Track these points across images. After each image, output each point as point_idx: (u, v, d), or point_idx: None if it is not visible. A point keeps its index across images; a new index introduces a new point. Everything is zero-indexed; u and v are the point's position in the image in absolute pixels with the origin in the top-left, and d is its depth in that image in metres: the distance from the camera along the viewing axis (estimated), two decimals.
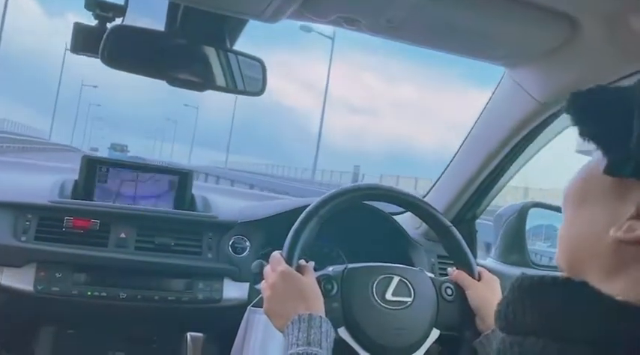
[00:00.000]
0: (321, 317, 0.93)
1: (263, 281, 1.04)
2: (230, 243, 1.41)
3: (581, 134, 0.52)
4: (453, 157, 1.54)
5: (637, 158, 0.47)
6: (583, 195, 0.55)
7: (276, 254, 1.06)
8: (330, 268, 1.11)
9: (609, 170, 0.50)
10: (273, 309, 0.98)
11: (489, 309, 1.05)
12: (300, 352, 0.86)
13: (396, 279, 1.12)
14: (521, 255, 1.72)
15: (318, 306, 0.97)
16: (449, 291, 1.14)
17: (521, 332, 0.50)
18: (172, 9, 1.14)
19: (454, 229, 1.19)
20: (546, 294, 0.50)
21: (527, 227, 1.75)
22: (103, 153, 54.14)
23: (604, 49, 0.97)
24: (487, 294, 1.10)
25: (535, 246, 1.90)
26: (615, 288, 0.49)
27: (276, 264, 1.02)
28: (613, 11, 0.88)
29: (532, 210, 1.74)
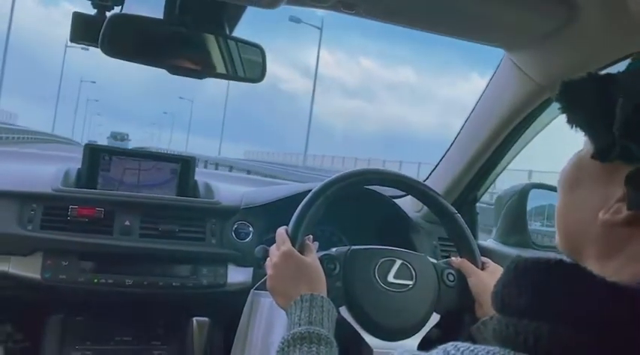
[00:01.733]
0: (322, 297, 0.95)
1: (268, 259, 1.06)
2: (233, 228, 1.42)
3: (569, 121, 0.54)
4: (454, 140, 1.55)
5: (621, 143, 0.49)
6: (575, 180, 0.57)
7: (281, 231, 1.08)
8: (334, 249, 1.13)
9: (596, 155, 0.52)
10: (277, 288, 1.00)
11: (489, 296, 1.07)
12: (302, 331, 0.88)
13: (398, 262, 1.13)
14: (523, 236, 1.72)
15: (321, 287, 0.99)
16: (450, 277, 1.15)
17: (516, 313, 0.51)
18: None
19: (459, 216, 1.20)
20: (539, 276, 0.51)
21: (529, 208, 1.76)
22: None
23: (602, 31, 0.98)
24: (489, 282, 1.10)
25: (537, 226, 1.91)
26: (610, 269, 0.51)
27: (280, 243, 1.04)
28: None
29: (533, 192, 1.75)
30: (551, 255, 0.53)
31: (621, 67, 0.57)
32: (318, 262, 1.03)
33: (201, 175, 1.59)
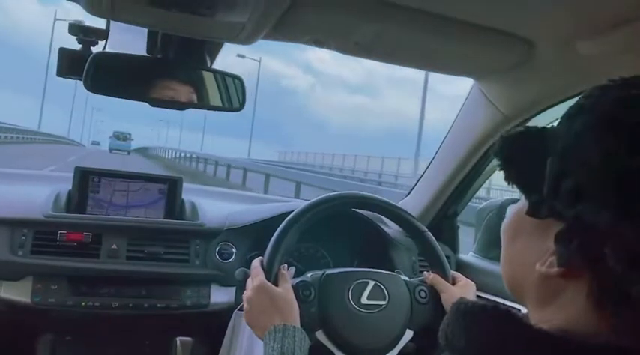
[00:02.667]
0: (294, 327, 1.00)
1: (245, 291, 1.10)
2: (217, 249, 1.47)
3: (505, 179, 0.57)
4: (431, 162, 1.61)
5: (550, 203, 0.52)
6: (515, 231, 0.61)
7: (256, 263, 1.12)
8: (309, 274, 1.18)
9: (529, 211, 0.55)
10: (252, 321, 1.06)
11: (453, 292, 1.14)
12: None
13: (371, 283, 1.18)
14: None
15: (293, 316, 1.03)
16: (422, 294, 1.20)
17: (456, 352, 0.56)
18: (152, 33, 1.19)
19: (428, 234, 1.26)
20: (475, 320, 0.56)
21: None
22: (105, 144, 49.04)
23: (557, 69, 1.03)
24: (460, 294, 1.16)
25: None
26: (545, 315, 0.55)
27: (254, 276, 1.09)
28: (563, 37, 0.94)
29: (511, 207, 1.79)
30: (492, 300, 0.58)
31: None
32: (290, 292, 1.07)
33: (189, 193, 1.65)
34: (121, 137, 47.24)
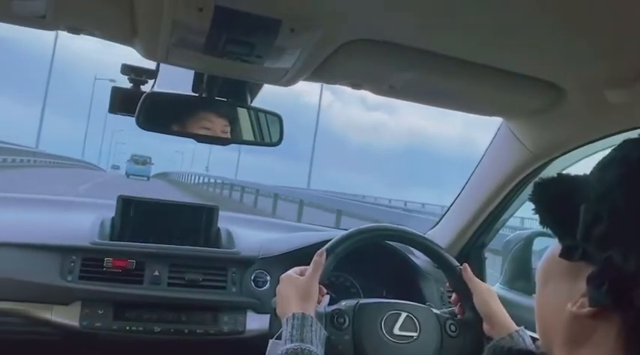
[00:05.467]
0: (312, 317, 1.04)
1: None
2: (252, 277, 1.53)
3: (540, 222, 0.61)
4: (460, 193, 1.65)
5: (583, 246, 0.56)
6: (547, 274, 0.64)
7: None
8: (343, 303, 1.21)
9: (563, 255, 0.58)
10: (279, 310, 1.11)
11: (495, 317, 1.15)
12: (295, 347, 0.96)
13: (403, 315, 1.21)
14: (527, 282, 1.80)
15: (311, 307, 1.08)
16: (452, 327, 1.23)
17: None
18: (198, 75, 1.27)
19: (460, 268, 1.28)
20: None
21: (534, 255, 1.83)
22: (124, 168, 43.36)
23: (586, 113, 1.08)
24: (491, 303, 1.18)
25: None
26: None
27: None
28: (592, 84, 0.99)
29: (537, 239, 1.83)
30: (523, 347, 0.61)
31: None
32: (315, 284, 1.12)
33: (224, 221, 1.71)
34: (140, 161, 41.91)
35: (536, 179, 0.63)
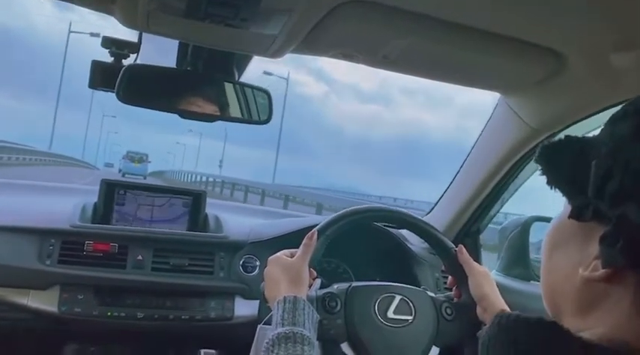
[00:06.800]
0: (304, 300, 0.99)
1: None
2: (241, 262, 1.48)
3: (548, 183, 0.58)
4: (455, 176, 1.60)
5: (595, 204, 0.52)
6: (556, 240, 0.61)
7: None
8: (335, 286, 1.17)
9: (573, 214, 0.55)
10: (268, 294, 1.07)
11: (487, 300, 1.13)
12: (287, 331, 0.91)
13: (397, 298, 1.17)
14: (525, 269, 1.76)
15: (302, 290, 1.03)
16: (449, 311, 1.19)
17: None
18: (182, 46, 1.22)
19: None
20: (520, 333, 0.55)
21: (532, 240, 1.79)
22: (119, 166, 41.02)
23: (589, 82, 1.03)
24: (485, 287, 1.15)
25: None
26: (588, 324, 0.54)
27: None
28: (595, 48, 0.94)
29: (535, 224, 1.78)
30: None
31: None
32: (304, 266, 1.07)
33: (212, 207, 1.66)
34: (136, 158, 39.11)
35: (543, 142, 0.60)
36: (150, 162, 42.13)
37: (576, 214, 0.55)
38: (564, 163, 0.57)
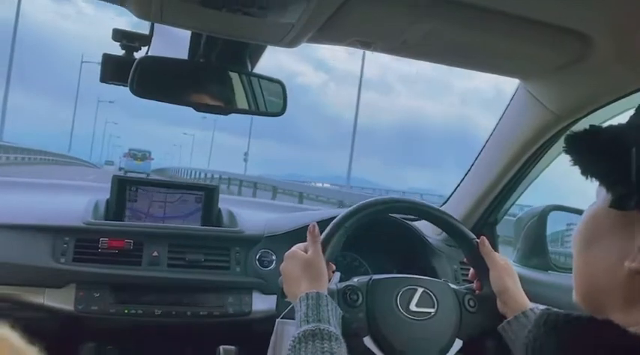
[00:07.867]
0: (327, 296, 0.98)
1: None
2: (257, 256, 1.46)
3: (583, 173, 0.55)
4: (471, 166, 1.57)
5: (638, 192, 0.50)
6: (592, 233, 0.58)
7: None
8: (356, 279, 1.15)
9: (615, 204, 0.53)
10: (287, 290, 1.05)
11: (507, 294, 1.10)
12: (313, 328, 0.89)
13: (419, 290, 1.15)
14: (543, 259, 1.73)
15: (323, 285, 1.01)
16: (471, 303, 1.17)
17: None
18: (195, 37, 1.19)
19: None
20: (572, 332, 0.53)
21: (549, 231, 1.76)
22: (120, 164, 39.95)
23: (615, 65, 1.00)
24: (506, 280, 1.12)
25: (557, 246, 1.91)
26: (634, 317, 0.52)
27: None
28: (622, 29, 0.91)
29: (552, 213, 1.76)
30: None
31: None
32: (322, 260, 1.05)
33: (224, 202, 1.64)
34: (139, 156, 37.64)
35: (568, 132, 0.58)
36: (153, 159, 40.92)
37: (618, 203, 0.53)
38: (597, 152, 0.55)
